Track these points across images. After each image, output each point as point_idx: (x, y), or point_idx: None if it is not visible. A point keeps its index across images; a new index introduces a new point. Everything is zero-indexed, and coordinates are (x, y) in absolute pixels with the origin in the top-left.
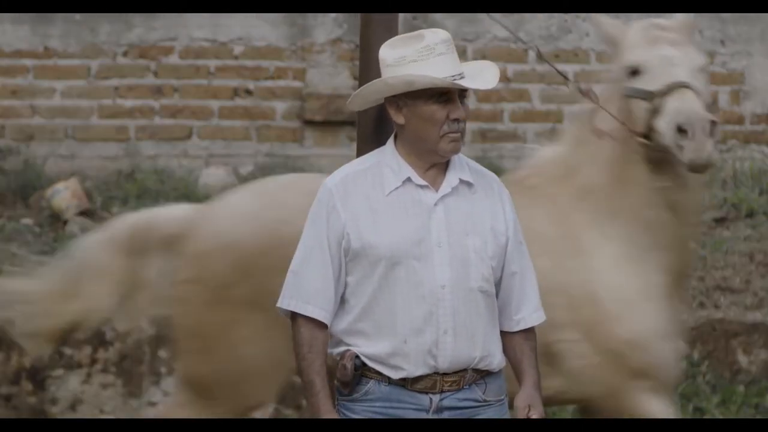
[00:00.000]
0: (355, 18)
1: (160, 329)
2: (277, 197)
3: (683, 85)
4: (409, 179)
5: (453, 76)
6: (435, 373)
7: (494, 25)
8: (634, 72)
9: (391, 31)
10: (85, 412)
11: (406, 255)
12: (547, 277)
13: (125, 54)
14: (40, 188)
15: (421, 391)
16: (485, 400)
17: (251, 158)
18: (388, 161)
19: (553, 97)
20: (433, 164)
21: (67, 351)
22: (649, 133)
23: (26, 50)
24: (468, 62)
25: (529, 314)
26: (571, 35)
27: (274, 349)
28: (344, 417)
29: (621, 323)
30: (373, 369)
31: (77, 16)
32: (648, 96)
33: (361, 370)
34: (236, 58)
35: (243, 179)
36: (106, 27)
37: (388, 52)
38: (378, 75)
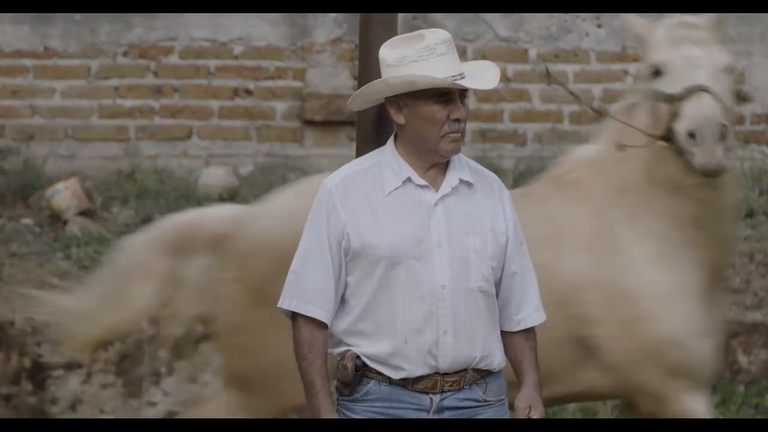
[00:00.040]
0: (355, 18)
1: (159, 329)
2: None
3: (701, 89)
4: (409, 179)
5: (454, 76)
6: (435, 373)
7: (494, 25)
8: (657, 72)
9: (391, 31)
10: (85, 412)
11: (406, 255)
12: (584, 273)
13: (125, 54)
14: (40, 188)
15: (421, 391)
16: (485, 400)
17: (251, 158)
18: (388, 161)
19: (553, 97)
20: (433, 164)
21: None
22: (670, 136)
23: (26, 50)
24: (468, 62)
25: (529, 314)
26: (571, 35)
27: None
28: (344, 417)
29: (657, 321)
30: (374, 369)
31: (77, 16)
32: (668, 99)
33: (362, 371)
34: (236, 58)
35: (243, 179)
36: (106, 27)
37: (388, 52)
38: (378, 75)
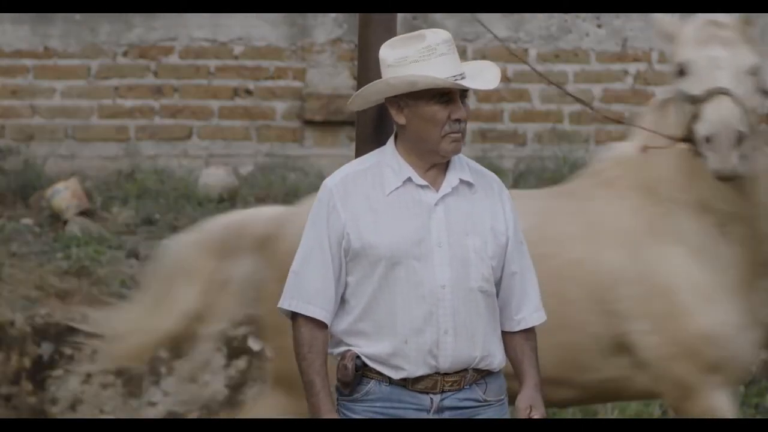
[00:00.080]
0: (355, 18)
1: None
2: None
3: (722, 92)
4: (409, 179)
5: (455, 76)
6: (436, 373)
7: (494, 25)
8: (682, 72)
9: (391, 32)
10: (85, 412)
11: (406, 255)
12: (622, 268)
13: (125, 54)
14: (40, 188)
15: (421, 391)
16: (486, 400)
17: (251, 158)
18: (388, 161)
19: (553, 97)
20: (434, 164)
21: (67, 351)
22: (691, 138)
23: (26, 50)
24: (468, 62)
25: (529, 314)
26: (571, 35)
27: None
28: (344, 417)
29: (694, 316)
30: (374, 369)
31: (77, 16)
32: (690, 100)
33: (362, 371)
34: (236, 58)
35: (243, 179)
36: (106, 27)
37: (388, 53)
38: (377, 75)
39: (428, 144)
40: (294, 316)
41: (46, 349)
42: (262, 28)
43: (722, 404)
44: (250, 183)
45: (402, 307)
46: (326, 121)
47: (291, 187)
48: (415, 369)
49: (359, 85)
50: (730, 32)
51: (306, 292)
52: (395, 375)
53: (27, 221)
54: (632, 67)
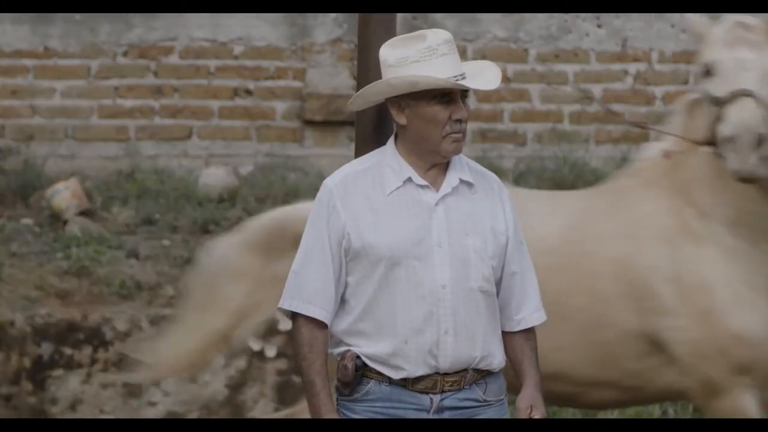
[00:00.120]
0: (355, 18)
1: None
2: None
3: (746, 94)
4: (409, 179)
5: (455, 76)
6: (436, 373)
7: (494, 25)
8: (708, 72)
9: (390, 32)
10: (85, 412)
11: (407, 255)
12: (659, 267)
13: (125, 54)
14: (40, 188)
15: (421, 391)
16: (485, 400)
17: (251, 158)
18: (388, 161)
19: (553, 97)
20: (434, 164)
21: (67, 351)
22: (714, 139)
23: (26, 50)
24: (468, 62)
25: (529, 314)
26: (571, 35)
27: None
28: (345, 417)
29: (729, 316)
30: (374, 369)
31: (77, 16)
32: (714, 101)
33: (362, 371)
34: (236, 58)
35: (243, 179)
36: (106, 27)
37: (389, 53)
38: (377, 75)
39: (429, 144)
40: (294, 316)
41: (46, 349)
42: (262, 28)
43: (748, 405)
44: (250, 183)
45: (402, 307)
46: (326, 121)
47: (291, 187)
48: (415, 369)
49: (359, 85)
50: (758, 34)
51: (306, 292)
52: (395, 375)
53: (27, 221)
54: (632, 67)
